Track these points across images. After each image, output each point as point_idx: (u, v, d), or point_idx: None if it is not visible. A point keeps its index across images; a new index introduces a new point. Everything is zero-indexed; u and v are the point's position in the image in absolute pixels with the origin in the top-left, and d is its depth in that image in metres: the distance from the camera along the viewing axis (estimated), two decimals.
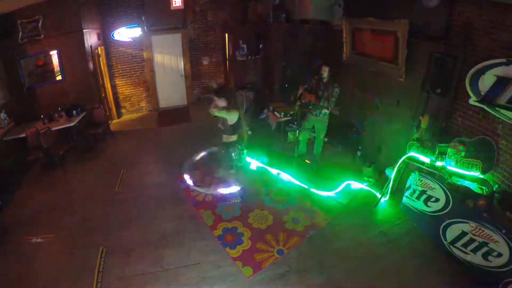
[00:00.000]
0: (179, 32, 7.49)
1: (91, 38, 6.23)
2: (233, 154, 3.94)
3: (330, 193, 4.46)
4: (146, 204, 4.40)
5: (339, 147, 5.49)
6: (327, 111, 4.65)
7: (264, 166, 5.15)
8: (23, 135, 5.10)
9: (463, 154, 3.49)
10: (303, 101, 4.75)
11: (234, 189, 4.17)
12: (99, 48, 6.73)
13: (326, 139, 5.33)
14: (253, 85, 7.06)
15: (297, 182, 4.70)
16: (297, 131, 5.06)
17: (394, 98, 4.55)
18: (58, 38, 5.78)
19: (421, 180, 3.69)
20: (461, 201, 3.30)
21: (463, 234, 3.20)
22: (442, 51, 3.67)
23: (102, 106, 6.44)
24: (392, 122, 4.64)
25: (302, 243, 3.66)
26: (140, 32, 7.12)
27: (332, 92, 4.55)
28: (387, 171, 4.50)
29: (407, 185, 3.89)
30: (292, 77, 6.27)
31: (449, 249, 3.35)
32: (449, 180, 3.48)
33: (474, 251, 3.13)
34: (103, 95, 7.01)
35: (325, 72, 4.57)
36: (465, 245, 3.20)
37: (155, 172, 5.27)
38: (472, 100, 3.40)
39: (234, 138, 3.86)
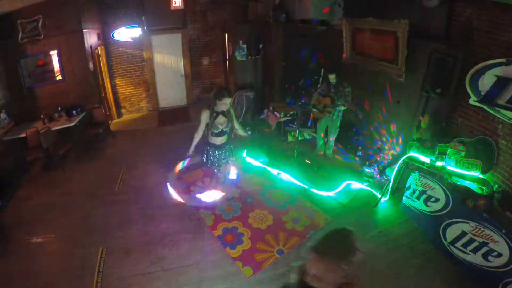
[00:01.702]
0: (179, 32, 7.49)
1: (91, 38, 6.23)
2: (229, 151, 3.85)
3: (330, 193, 4.46)
4: (146, 204, 4.40)
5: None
6: (342, 108, 4.85)
7: (264, 166, 5.15)
8: (23, 135, 5.10)
9: (463, 154, 3.50)
10: (320, 107, 4.95)
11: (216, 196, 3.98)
12: (99, 48, 6.73)
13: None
14: (253, 85, 7.05)
15: (297, 182, 4.70)
16: (297, 131, 5.07)
17: (394, 98, 4.55)
18: (58, 38, 5.77)
19: (421, 180, 3.69)
20: (461, 201, 3.29)
21: (463, 234, 3.20)
22: (442, 51, 3.66)
23: (102, 106, 6.44)
24: (392, 122, 4.64)
25: (302, 243, 3.66)
26: (140, 32, 7.12)
27: (344, 91, 4.79)
28: (387, 171, 4.50)
29: (407, 185, 3.89)
30: (292, 77, 6.28)
31: (449, 249, 3.35)
32: (449, 180, 3.48)
33: (474, 251, 3.13)
34: (103, 95, 7.01)
35: (333, 79, 4.79)
36: (465, 245, 3.20)
37: (155, 172, 5.25)
38: (472, 100, 3.41)
39: (227, 137, 3.78)
